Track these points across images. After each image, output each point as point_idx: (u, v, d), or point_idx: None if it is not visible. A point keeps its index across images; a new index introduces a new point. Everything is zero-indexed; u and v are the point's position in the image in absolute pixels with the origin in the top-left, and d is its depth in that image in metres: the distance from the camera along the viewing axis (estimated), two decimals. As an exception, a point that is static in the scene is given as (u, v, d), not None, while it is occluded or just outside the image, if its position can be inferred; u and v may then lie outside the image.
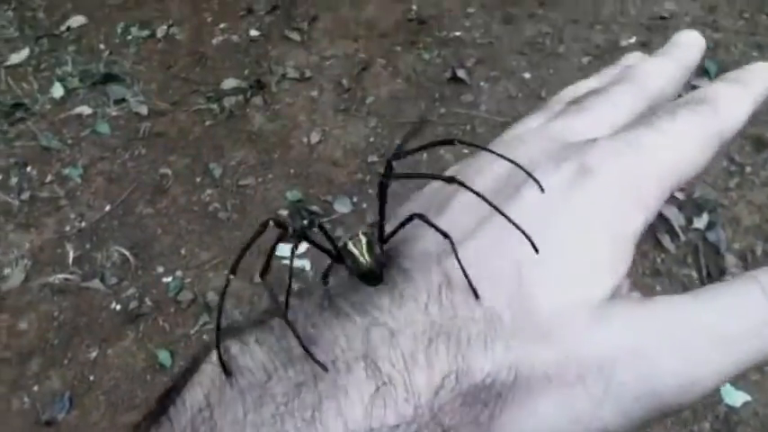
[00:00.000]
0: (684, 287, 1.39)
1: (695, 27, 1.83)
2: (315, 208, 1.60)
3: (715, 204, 1.49)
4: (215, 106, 1.85)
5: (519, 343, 0.29)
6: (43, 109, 1.89)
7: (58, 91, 1.92)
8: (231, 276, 0.33)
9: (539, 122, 0.39)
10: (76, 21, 2.12)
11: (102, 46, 2.04)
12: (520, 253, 0.30)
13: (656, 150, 0.33)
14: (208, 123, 1.82)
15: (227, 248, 1.57)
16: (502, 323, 0.29)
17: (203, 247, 1.59)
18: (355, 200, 1.62)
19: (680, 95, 0.38)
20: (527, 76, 1.81)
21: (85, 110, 1.88)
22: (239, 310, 1.44)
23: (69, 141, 1.81)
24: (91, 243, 1.62)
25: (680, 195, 1.50)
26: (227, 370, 0.29)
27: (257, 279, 1.46)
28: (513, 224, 0.30)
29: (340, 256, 0.33)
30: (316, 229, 0.34)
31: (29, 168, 1.77)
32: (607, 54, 1.82)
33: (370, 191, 1.63)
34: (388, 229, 0.34)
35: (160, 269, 1.56)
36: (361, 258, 0.32)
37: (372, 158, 1.69)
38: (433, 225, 0.31)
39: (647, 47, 1.82)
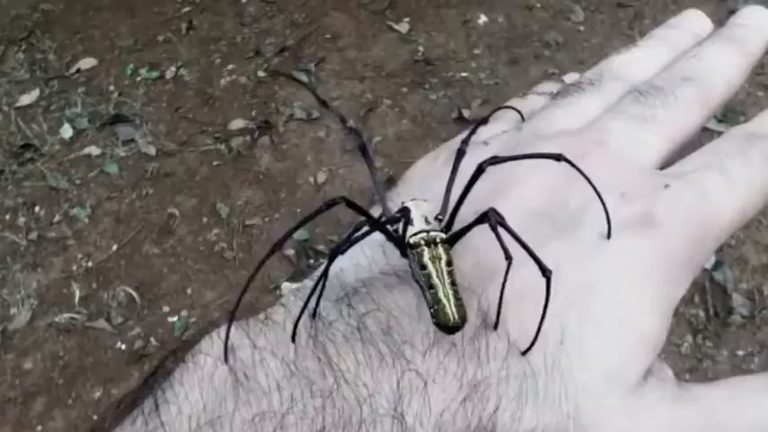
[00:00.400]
0: (691, 327, 1.38)
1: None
2: (321, 248, 1.61)
3: (722, 244, 1.48)
4: (222, 147, 1.87)
5: (548, 415, 0.26)
6: (52, 149, 1.90)
7: (67, 132, 1.94)
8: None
9: (593, 110, 0.38)
10: (87, 63, 2.14)
11: (111, 87, 2.06)
12: (565, 309, 0.28)
13: (725, 203, 0.32)
14: (215, 163, 1.84)
15: (234, 288, 1.57)
16: (536, 388, 0.27)
17: (209, 287, 1.59)
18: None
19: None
20: (533, 116, 1.82)
21: (94, 150, 1.89)
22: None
23: (78, 181, 1.82)
24: (97, 282, 1.62)
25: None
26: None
27: (262, 318, 1.45)
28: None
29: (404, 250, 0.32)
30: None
31: (37, 208, 1.78)
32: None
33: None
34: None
35: (166, 308, 1.56)
36: (447, 306, 0.28)
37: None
38: (501, 242, 0.28)
39: (652, 87, 1.83)
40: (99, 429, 0.28)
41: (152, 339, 1.51)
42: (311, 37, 2.15)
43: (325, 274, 0.29)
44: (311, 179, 1.76)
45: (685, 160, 0.35)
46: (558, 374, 0.27)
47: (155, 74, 2.09)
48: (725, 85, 0.38)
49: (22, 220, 1.75)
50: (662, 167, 0.35)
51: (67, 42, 2.23)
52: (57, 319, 1.55)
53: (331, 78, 2.01)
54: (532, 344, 0.27)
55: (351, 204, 0.32)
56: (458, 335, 0.27)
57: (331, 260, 0.29)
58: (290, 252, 1.61)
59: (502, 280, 0.27)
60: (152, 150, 1.87)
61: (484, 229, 0.29)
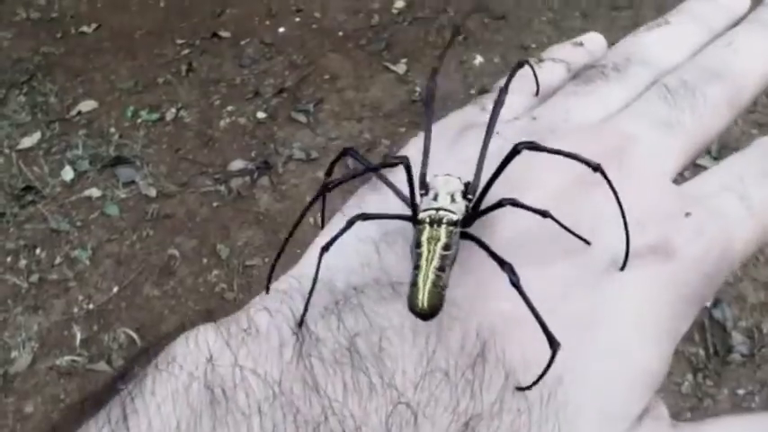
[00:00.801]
0: (692, 365, 1.39)
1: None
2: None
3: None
4: (222, 188, 1.88)
5: None
6: (53, 192, 1.92)
7: (68, 174, 1.95)
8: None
9: (616, 101, 0.36)
10: (87, 105, 2.17)
11: (112, 129, 2.08)
12: (566, 342, 0.26)
13: (743, 233, 0.31)
14: (215, 204, 1.85)
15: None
16: (529, 425, 0.25)
17: (210, 329, 1.59)
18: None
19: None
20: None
21: (95, 192, 1.90)
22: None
23: (78, 224, 1.83)
24: (98, 325, 1.62)
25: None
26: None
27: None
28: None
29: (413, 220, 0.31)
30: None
31: (38, 250, 1.78)
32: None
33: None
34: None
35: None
36: (419, 291, 0.28)
37: (378, 238, 1.70)
38: (494, 259, 0.27)
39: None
40: (60, 429, 0.27)
41: (153, 382, 1.50)
42: (310, 78, 2.17)
43: (315, 278, 0.29)
44: (311, 220, 1.76)
45: (705, 178, 0.33)
46: (553, 412, 0.26)
47: (155, 116, 2.11)
48: (758, 83, 0.36)
49: (23, 262, 1.76)
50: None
51: (68, 85, 2.25)
52: (58, 362, 1.55)
53: (330, 119, 2.04)
54: (534, 383, 0.26)
55: (356, 156, 0.34)
56: (453, 362, 0.26)
57: (320, 260, 0.30)
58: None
59: (501, 304, 0.27)
60: (152, 192, 1.89)
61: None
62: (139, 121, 2.10)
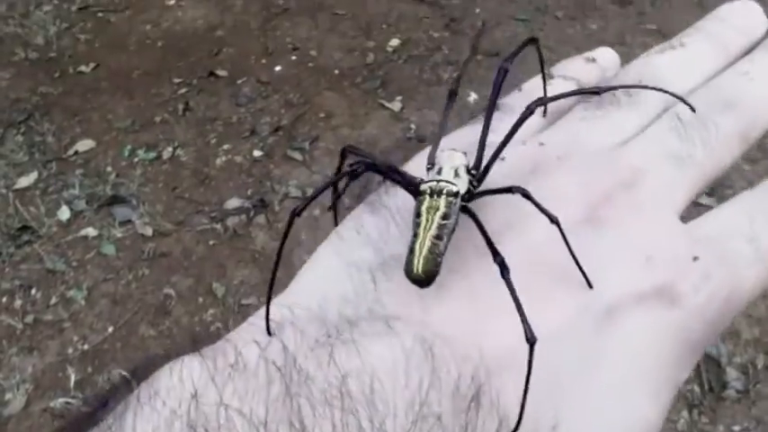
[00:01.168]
0: (687, 402, 1.38)
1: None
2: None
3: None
4: (218, 226, 1.89)
5: None
6: (49, 231, 1.92)
7: (64, 214, 1.96)
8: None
9: (627, 129, 0.35)
10: (84, 144, 2.18)
11: (109, 168, 2.09)
12: (562, 389, 0.26)
13: (750, 278, 0.30)
14: (211, 243, 1.85)
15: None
16: None
17: (205, 369, 1.58)
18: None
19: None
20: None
21: (91, 232, 1.91)
22: None
23: (74, 263, 1.83)
24: (93, 366, 1.62)
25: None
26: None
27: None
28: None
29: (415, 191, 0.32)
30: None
31: (33, 291, 1.78)
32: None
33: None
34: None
35: (162, 392, 1.55)
36: (415, 257, 0.28)
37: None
38: (489, 246, 0.27)
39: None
40: None
41: (148, 423, 1.50)
42: (305, 116, 2.19)
43: (285, 234, 0.31)
44: (306, 257, 1.77)
45: (714, 216, 0.32)
46: None
47: (152, 154, 2.12)
48: None
49: (18, 302, 1.76)
50: None
51: (66, 124, 2.27)
52: (52, 404, 1.54)
53: (325, 156, 2.05)
54: (517, 425, 0.25)
55: (355, 152, 0.35)
56: (446, 405, 0.25)
57: (289, 223, 0.32)
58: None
59: (499, 342, 0.26)
60: (149, 231, 1.89)
61: (487, 272, 0.28)
62: (136, 159, 2.11)
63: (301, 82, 2.31)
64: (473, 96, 2.15)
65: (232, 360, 0.27)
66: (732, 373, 1.41)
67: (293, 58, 2.42)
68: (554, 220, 0.28)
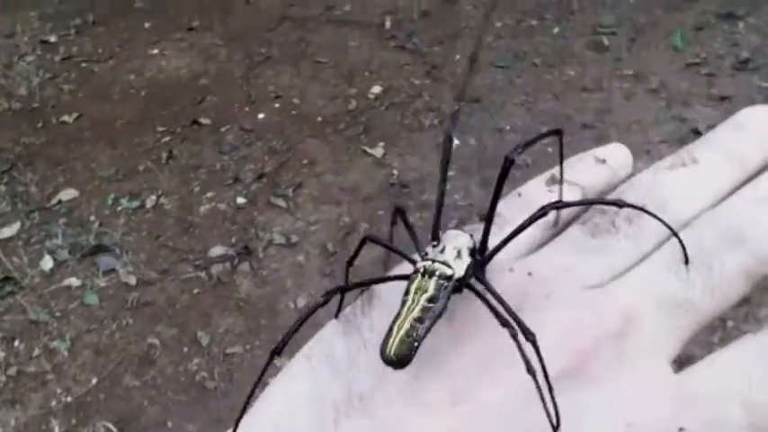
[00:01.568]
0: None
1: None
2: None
3: (700, 359, 1.50)
4: (203, 274, 1.88)
5: None
6: (32, 282, 1.91)
7: (47, 264, 1.95)
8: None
9: (622, 261, 0.33)
10: (68, 194, 2.18)
11: (92, 218, 2.09)
12: None
13: None
14: (195, 291, 1.85)
15: (215, 419, 1.56)
16: None
17: (190, 419, 1.57)
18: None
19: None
20: (507, 236, 1.86)
21: (74, 282, 1.90)
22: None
23: (57, 314, 1.82)
24: (77, 418, 1.60)
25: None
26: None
27: None
28: None
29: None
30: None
31: (16, 342, 1.77)
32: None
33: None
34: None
35: (146, 443, 1.54)
36: (391, 338, 0.28)
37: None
38: (497, 318, 0.27)
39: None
40: None
41: (132, 476, 1.48)
42: (289, 163, 2.20)
43: (261, 373, 0.30)
44: (291, 304, 1.78)
45: (711, 366, 0.30)
46: None
47: (135, 203, 2.13)
48: None
49: (1, 354, 1.74)
50: None
51: (49, 174, 2.27)
52: (34, 458, 1.52)
53: (309, 203, 2.06)
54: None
55: (374, 240, 0.34)
56: None
57: (267, 363, 0.30)
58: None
59: None
60: (132, 280, 1.89)
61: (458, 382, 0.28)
62: (120, 208, 2.11)
63: (284, 129, 2.33)
64: (455, 142, 2.17)
65: None
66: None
67: (276, 105, 2.44)
68: (531, 372, 0.26)
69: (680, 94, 2.20)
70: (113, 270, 1.92)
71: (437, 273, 0.30)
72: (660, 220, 0.32)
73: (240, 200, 2.10)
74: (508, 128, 2.20)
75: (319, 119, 2.36)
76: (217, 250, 1.95)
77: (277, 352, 0.31)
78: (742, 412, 0.27)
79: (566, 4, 2.71)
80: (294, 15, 2.91)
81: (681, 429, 0.27)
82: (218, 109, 2.45)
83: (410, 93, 2.41)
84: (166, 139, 2.35)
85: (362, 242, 0.37)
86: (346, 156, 2.20)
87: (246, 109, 2.44)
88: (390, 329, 0.28)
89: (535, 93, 2.31)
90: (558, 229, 0.36)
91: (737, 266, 0.31)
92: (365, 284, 0.34)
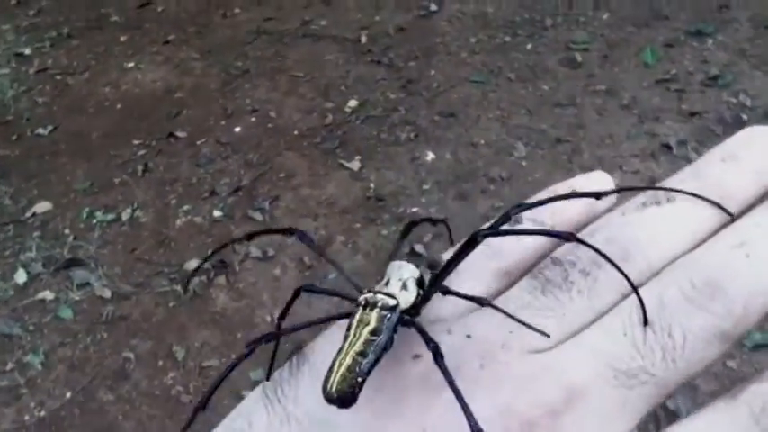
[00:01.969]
0: (648, 456, 1.40)
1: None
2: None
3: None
4: (178, 288, 1.88)
5: None
6: (6, 295, 1.89)
7: (21, 277, 1.94)
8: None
9: (577, 319, 0.28)
10: (42, 207, 2.17)
11: (66, 231, 2.08)
12: None
13: None
14: (171, 305, 1.84)
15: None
16: None
17: (166, 433, 1.57)
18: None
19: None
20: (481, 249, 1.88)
21: (48, 295, 1.89)
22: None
23: (31, 327, 1.81)
24: (50, 433, 1.59)
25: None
26: None
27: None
28: None
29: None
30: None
31: (-11, 357, 1.75)
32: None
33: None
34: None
35: (121, 457, 1.53)
36: (331, 374, 0.26)
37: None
38: (423, 337, 0.26)
39: (594, 218, 1.91)
40: None
41: (106, 490, 1.47)
42: (265, 176, 2.21)
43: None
44: (268, 318, 1.78)
45: None
46: None
47: (110, 216, 2.12)
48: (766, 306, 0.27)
49: (-27, 369, 1.72)
50: None
51: (23, 186, 2.26)
52: (7, 473, 1.51)
53: (285, 216, 2.06)
54: None
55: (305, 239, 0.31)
56: None
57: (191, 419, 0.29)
58: (248, 393, 1.61)
59: None
60: (107, 293, 1.88)
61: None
62: (94, 221, 2.11)
63: (261, 143, 2.34)
64: (430, 155, 2.19)
65: None
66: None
67: (253, 119, 2.45)
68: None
69: (651, 109, 2.24)
70: (88, 283, 1.91)
71: (379, 304, 0.29)
72: (618, 268, 0.28)
73: (216, 213, 2.10)
74: (483, 142, 2.22)
75: (296, 132, 2.37)
76: (193, 264, 1.95)
77: (201, 407, 0.30)
78: None
79: (539, 20, 2.74)
80: (270, 29, 2.92)
81: None
82: (194, 122, 2.45)
83: (386, 107, 2.42)
84: (142, 152, 2.35)
85: (295, 294, 0.34)
86: (323, 169, 2.21)
87: (223, 122, 2.45)
88: (332, 366, 0.27)
89: (509, 107, 2.34)
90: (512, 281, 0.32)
91: (707, 328, 0.27)
92: (299, 328, 0.31)
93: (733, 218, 0.30)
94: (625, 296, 0.29)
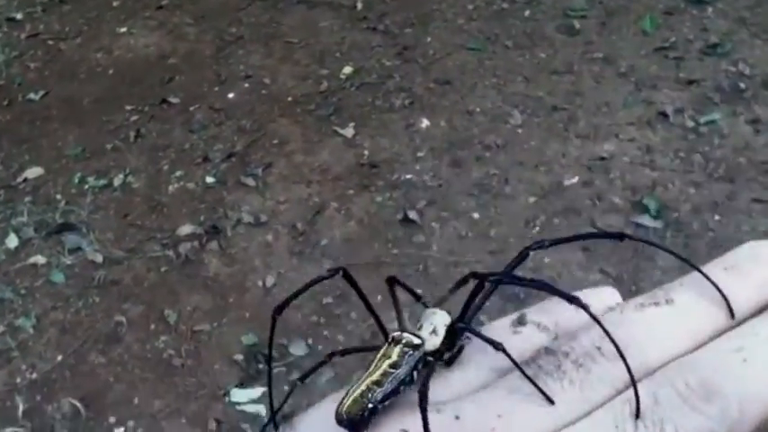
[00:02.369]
0: None
1: (634, 167, 1.93)
2: (273, 353, 1.60)
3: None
4: (170, 253, 1.87)
5: None
6: (-3, 260, 1.89)
7: (12, 241, 1.93)
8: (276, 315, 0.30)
9: (566, 413, 0.28)
10: (33, 172, 2.15)
11: (58, 196, 2.07)
12: None
13: None
14: (163, 270, 1.84)
15: (181, 396, 1.55)
16: None
17: (157, 396, 1.56)
18: (311, 342, 1.62)
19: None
20: (476, 216, 1.87)
21: (40, 259, 1.88)
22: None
23: (23, 291, 1.80)
24: (42, 395, 1.58)
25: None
26: None
27: (212, 426, 1.41)
28: None
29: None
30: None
31: (-20, 320, 1.75)
32: (552, 194, 1.89)
33: (325, 332, 1.64)
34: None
35: (112, 419, 1.53)
36: (345, 397, 0.27)
37: (327, 300, 1.71)
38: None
39: (589, 186, 1.90)
40: None
41: (97, 452, 1.47)
42: (259, 143, 2.19)
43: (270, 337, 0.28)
44: (260, 283, 1.77)
45: None
46: None
47: (102, 182, 2.10)
48: (761, 412, 0.26)
49: (-36, 332, 1.72)
50: None
51: (15, 152, 2.24)
52: (-2, 435, 1.51)
53: (278, 183, 2.05)
54: None
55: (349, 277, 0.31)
56: None
57: (273, 323, 0.30)
58: (240, 357, 1.61)
59: None
60: (99, 258, 1.87)
61: None
62: (86, 187, 2.09)
63: (254, 109, 2.32)
64: (425, 123, 2.18)
65: None
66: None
67: (246, 85, 2.43)
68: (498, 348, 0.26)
69: (648, 77, 2.22)
70: (80, 248, 1.90)
71: (403, 341, 0.30)
72: (619, 351, 0.27)
73: (209, 179, 2.09)
74: (478, 109, 2.20)
75: (290, 99, 2.35)
76: (185, 229, 1.94)
77: (278, 311, 0.31)
78: None
79: (537, -13, 2.72)
80: (265, -4, 2.89)
81: None
82: (187, 88, 2.43)
83: (381, 74, 2.40)
84: (134, 117, 2.33)
85: (327, 358, 0.34)
86: (317, 136, 2.20)
87: (216, 88, 2.42)
88: (347, 391, 0.27)
89: (506, 75, 2.32)
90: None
91: (701, 430, 0.26)
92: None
93: (733, 319, 0.29)
94: (619, 392, 0.28)
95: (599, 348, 0.28)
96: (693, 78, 2.19)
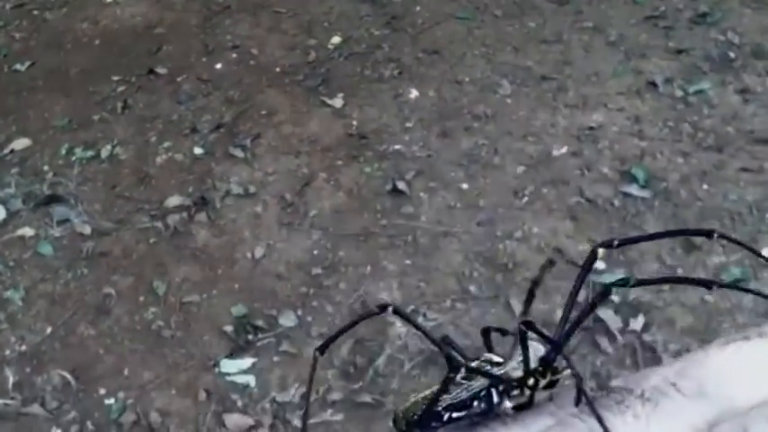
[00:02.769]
0: (625, 389, 1.41)
1: (622, 137, 1.94)
2: (260, 323, 1.61)
3: (650, 306, 1.54)
4: (159, 224, 1.87)
5: None
6: (-16, 232, 1.88)
7: (0, 214, 1.92)
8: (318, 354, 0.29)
9: None
10: (20, 143, 2.14)
11: (46, 167, 2.05)
12: None
13: None
14: (152, 241, 1.83)
15: (171, 367, 1.56)
16: None
17: (146, 367, 1.57)
18: (300, 313, 1.63)
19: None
20: (465, 186, 1.87)
21: (28, 231, 1.87)
22: (183, 430, 1.43)
23: (11, 263, 1.80)
24: (31, 367, 1.59)
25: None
26: None
27: (202, 397, 1.42)
28: None
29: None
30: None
31: (-32, 292, 1.75)
32: (541, 164, 1.89)
33: (314, 303, 1.65)
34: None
35: (102, 391, 1.53)
36: (407, 402, 0.27)
37: (317, 271, 1.71)
38: None
39: (577, 156, 1.90)
40: None
41: (88, 423, 1.48)
42: (247, 113, 2.18)
43: (310, 377, 0.28)
44: (249, 254, 1.77)
45: None
46: None
47: (90, 153, 2.09)
48: None
49: (-48, 305, 1.72)
50: None
51: (1, 123, 2.22)
52: (-12, 406, 1.51)
53: (267, 154, 2.04)
54: None
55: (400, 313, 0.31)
56: None
57: (314, 363, 0.29)
58: (229, 328, 1.61)
59: None
60: (87, 230, 1.86)
61: None
62: (74, 158, 2.08)
63: (242, 80, 2.30)
64: (414, 93, 2.17)
65: None
66: (668, 360, 1.45)
67: (234, 55, 2.41)
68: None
69: (638, 46, 2.22)
70: (67, 220, 1.90)
71: (482, 357, 0.30)
72: None
73: (197, 150, 2.08)
74: (467, 79, 2.19)
75: (278, 69, 2.33)
76: (173, 200, 1.93)
77: (320, 351, 0.30)
78: None
79: (527, -44, 2.70)
80: (253, -36, 2.86)
81: None
82: (174, 59, 2.41)
83: (370, 43, 2.39)
84: (121, 88, 2.31)
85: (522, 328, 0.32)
86: (305, 106, 2.19)
87: (204, 59, 2.40)
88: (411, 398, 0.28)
89: (495, 44, 2.30)
90: None
91: None
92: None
93: None
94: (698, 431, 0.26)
95: (674, 384, 0.27)
96: (683, 47, 2.18)
